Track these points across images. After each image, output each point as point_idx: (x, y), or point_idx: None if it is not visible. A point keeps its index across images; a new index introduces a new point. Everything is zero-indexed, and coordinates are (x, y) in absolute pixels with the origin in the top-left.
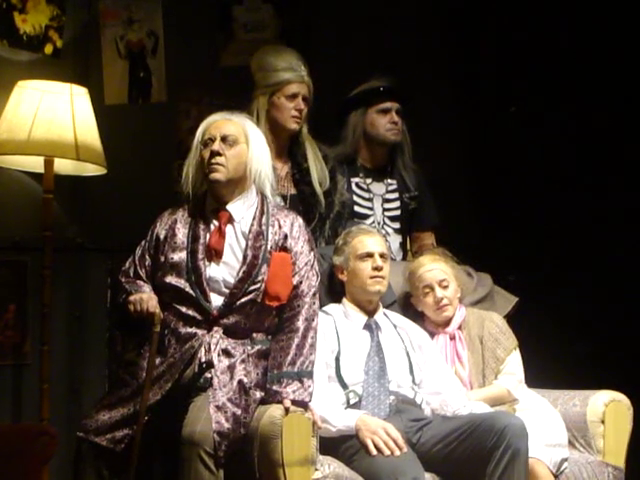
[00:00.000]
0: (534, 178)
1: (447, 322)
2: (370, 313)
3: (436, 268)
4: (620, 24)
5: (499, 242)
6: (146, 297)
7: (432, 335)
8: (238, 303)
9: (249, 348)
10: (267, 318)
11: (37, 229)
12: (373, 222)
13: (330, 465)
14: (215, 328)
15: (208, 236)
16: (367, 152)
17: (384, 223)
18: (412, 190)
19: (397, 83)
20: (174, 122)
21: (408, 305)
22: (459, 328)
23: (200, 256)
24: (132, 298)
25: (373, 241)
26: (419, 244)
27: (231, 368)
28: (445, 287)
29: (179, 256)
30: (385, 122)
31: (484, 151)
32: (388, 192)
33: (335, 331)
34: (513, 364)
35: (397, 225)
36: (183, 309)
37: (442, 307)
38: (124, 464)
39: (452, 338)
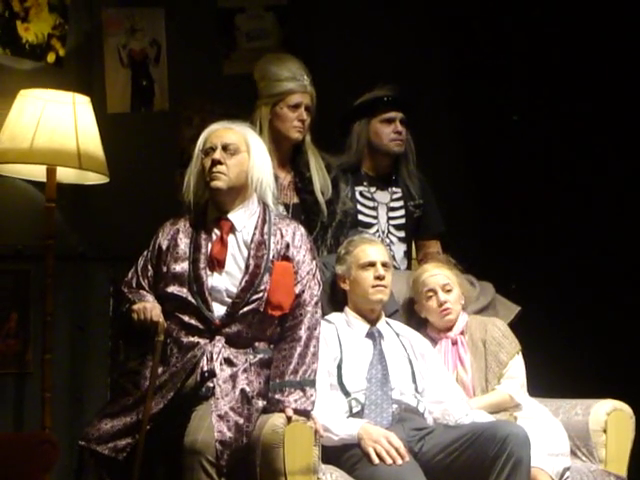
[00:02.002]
0: (536, 187)
1: (449, 327)
2: (372, 322)
3: (439, 273)
4: (618, 28)
5: (501, 251)
6: (150, 306)
7: (434, 341)
8: (240, 312)
9: (251, 357)
10: (269, 327)
11: (39, 238)
12: (377, 231)
13: (332, 474)
14: (217, 337)
15: (210, 246)
16: (371, 161)
17: (389, 232)
18: (417, 198)
19: (401, 92)
20: (176, 131)
21: (411, 313)
22: (461, 333)
23: (202, 265)
24: (136, 307)
25: (375, 250)
26: (424, 252)
27: (233, 377)
28: (448, 291)
29: (181, 266)
30: (389, 132)
31: (486, 160)
32: (393, 200)
33: (337, 339)
34: (516, 368)
35: (402, 234)
36: (185, 318)
37: (445, 310)
38: (126, 473)
39: (454, 343)
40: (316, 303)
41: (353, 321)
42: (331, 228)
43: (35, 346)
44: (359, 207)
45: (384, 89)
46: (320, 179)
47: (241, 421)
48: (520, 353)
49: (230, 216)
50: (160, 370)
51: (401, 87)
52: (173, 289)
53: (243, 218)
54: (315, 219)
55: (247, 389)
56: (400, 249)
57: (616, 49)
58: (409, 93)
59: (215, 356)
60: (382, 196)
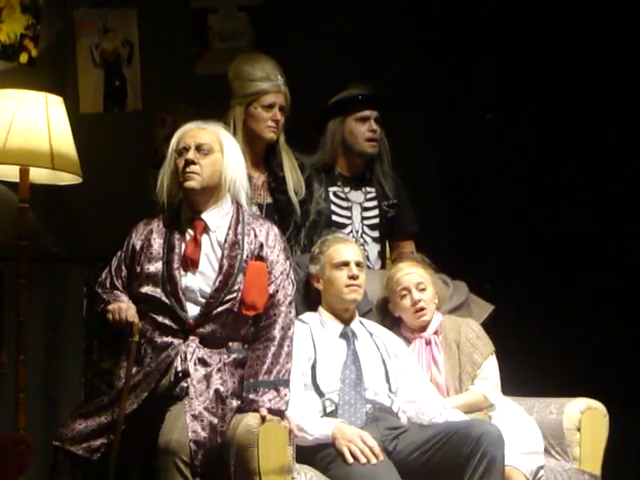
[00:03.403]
0: (509, 187)
1: (423, 327)
2: (346, 321)
3: (414, 272)
4: (591, 27)
5: (475, 250)
6: (125, 306)
7: (408, 341)
8: (214, 312)
9: (225, 357)
10: (243, 327)
11: (13, 238)
12: (351, 231)
13: (307, 474)
14: (191, 337)
15: (183, 246)
16: (345, 160)
17: (363, 232)
18: (391, 198)
19: (376, 91)
20: (150, 131)
21: (385, 313)
22: (435, 333)
23: (175, 265)
24: (111, 307)
25: (349, 250)
26: (398, 252)
27: (207, 377)
28: (422, 290)
29: (155, 266)
30: (364, 130)
31: (459, 159)
32: (367, 200)
33: (311, 339)
34: (489, 369)
35: (376, 234)
36: (159, 318)
37: (419, 310)
38: (100, 473)
39: (428, 343)
40: (290, 303)
41: (327, 321)
42: (304, 228)
43: (9, 347)
44: (333, 207)
45: (359, 87)
46: (293, 179)
47: (215, 421)
48: (494, 354)
49: (204, 216)
50: (134, 370)
51: (375, 86)
52: (147, 289)
53: (217, 218)
54: (288, 219)
55: (221, 389)
56: (374, 249)
57: (589, 48)
58: (383, 93)
59: (189, 356)
60: (356, 196)
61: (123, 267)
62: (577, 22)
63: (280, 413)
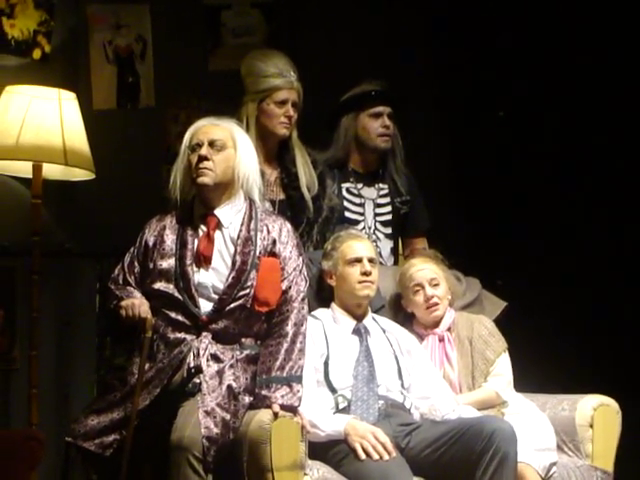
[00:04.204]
0: (521, 183)
1: (436, 323)
2: (359, 318)
3: (427, 268)
4: (604, 23)
5: (487, 247)
6: (138, 302)
7: (421, 337)
8: (227, 309)
9: (238, 353)
10: (256, 323)
11: (26, 234)
12: (364, 227)
13: (319, 470)
14: (204, 333)
15: (196, 242)
16: (358, 156)
17: (375, 228)
18: (404, 195)
19: (389, 87)
20: (163, 127)
21: (397, 309)
22: (448, 330)
23: (188, 262)
24: (124, 303)
25: (362, 246)
26: (411, 249)
27: (220, 373)
28: (435, 286)
29: (168, 263)
30: (377, 126)
31: (472, 156)
32: (380, 197)
33: (324, 336)
34: (502, 366)
35: (389, 230)
36: (172, 314)
37: (432, 306)
38: (113, 469)
39: (441, 340)
40: (302, 299)
41: (339, 317)
42: (317, 224)
43: (22, 343)
44: (346, 204)
45: (372, 84)
46: (306, 175)
47: (228, 417)
48: (507, 351)
49: (216, 212)
50: (147, 366)
51: (387, 83)
52: (159, 285)
53: (229, 214)
54: (301, 215)
55: (234, 385)
56: (387, 245)
57: (603, 44)
58: (395, 89)
59: (202, 352)
60: (369, 192)
61: (136, 263)
62: (592, 17)
63: (293, 409)
